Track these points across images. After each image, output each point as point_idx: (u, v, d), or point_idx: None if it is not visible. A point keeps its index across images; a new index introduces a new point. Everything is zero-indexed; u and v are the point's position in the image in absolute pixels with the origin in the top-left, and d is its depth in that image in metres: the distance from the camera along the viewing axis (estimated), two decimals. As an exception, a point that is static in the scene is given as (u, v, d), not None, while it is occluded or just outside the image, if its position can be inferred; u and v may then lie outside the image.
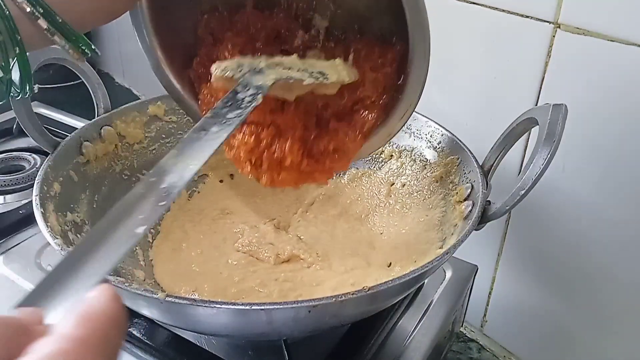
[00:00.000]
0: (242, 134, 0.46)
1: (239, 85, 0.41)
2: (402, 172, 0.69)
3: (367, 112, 0.49)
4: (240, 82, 0.42)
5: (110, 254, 0.24)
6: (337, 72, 0.46)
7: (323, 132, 0.48)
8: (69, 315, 0.21)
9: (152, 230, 0.66)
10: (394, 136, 0.50)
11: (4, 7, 0.36)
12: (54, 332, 0.20)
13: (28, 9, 0.37)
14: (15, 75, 0.40)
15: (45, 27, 0.38)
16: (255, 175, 0.47)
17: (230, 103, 0.39)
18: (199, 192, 0.73)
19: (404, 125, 0.49)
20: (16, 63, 0.39)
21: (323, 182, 0.49)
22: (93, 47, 0.42)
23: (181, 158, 0.32)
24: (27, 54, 0.39)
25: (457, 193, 0.58)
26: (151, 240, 0.65)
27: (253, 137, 0.46)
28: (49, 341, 0.20)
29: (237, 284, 0.59)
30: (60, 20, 0.38)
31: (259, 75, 0.42)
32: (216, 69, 0.44)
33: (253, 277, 0.60)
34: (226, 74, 0.43)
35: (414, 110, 0.48)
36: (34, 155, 0.84)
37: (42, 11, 0.37)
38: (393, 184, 0.69)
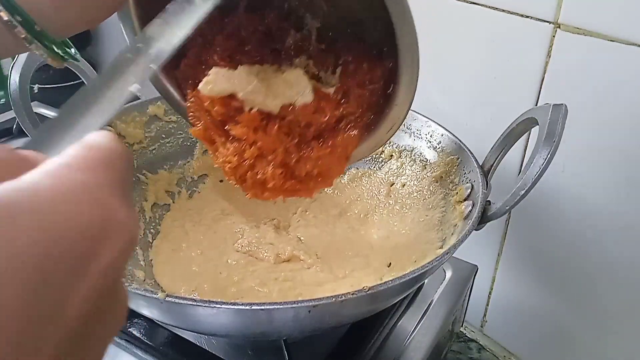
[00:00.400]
0: (226, 149, 0.46)
1: None
2: (402, 172, 0.69)
3: (351, 130, 0.48)
4: None
5: (104, 109, 0.25)
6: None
7: (306, 156, 0.47)
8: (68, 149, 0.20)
9: (152, 230, 0.66)
10: (379, 147, 0.49)
11: None
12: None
13: (5, 18, 0.36)
14: None
15: (23, 35, 0.37)
16: (240, 187, 0.47)
17: None
18: (199, 192, 0.73)
19: (390, 137, 0.48)
20: None
21: (309, 196, 0.49)
22: (73, 52, 0.42)
23: (167, 27, 0.31)
24: (2, 60, 0.39)
25: (457, 193, 0.58)
26: (151, 240, 0.65)
27: (236, 156, 0.45)
28: (51, 161, 0.18)
29: (237, 284, 0.59)
30: (38, 29, 0.38)
31: None
32: (204, 85, 0.43)
33: (252, 277, 0.60)
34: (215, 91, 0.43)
35: (402, 123, 0.47)
36: (34, 155, 0.84)
37: (20, 20, 0.37)
38: (393, 184, 0.69)
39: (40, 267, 0.16)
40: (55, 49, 0.40)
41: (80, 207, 0.17)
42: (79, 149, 0.19)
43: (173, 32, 0.31)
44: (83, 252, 0.17)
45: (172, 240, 0.66)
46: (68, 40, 0.42)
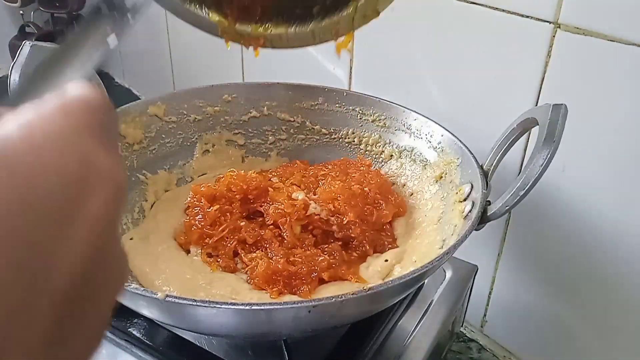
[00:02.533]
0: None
1: None
2: (402, 172, 0.69)
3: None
4: None
5: (82, 61, 0.24)
6: None
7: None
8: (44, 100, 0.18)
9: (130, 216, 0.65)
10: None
11: None
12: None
13: None
14: None
15: None
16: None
17: None
18: (190, 181, 0.72)
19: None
20: None
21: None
22: None
23: None
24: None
25: (457, 193, 0.58)
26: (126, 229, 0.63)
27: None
28: (23, 111, 0.17)
29: (205, 288, 0.55)
30: None
31: None
32: None
33: (221, 284, 0.56)
34: None
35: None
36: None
37: None
38: (393, 184, 0.69)
39: (19, 228, 0.14)
40: None
41: (54, 157, 0.16)
42: (53, 98, 0.18)
43: None
44: (63, 206, 0.16)
45: (145, 229, 0.63)
46: None
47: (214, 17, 0.42)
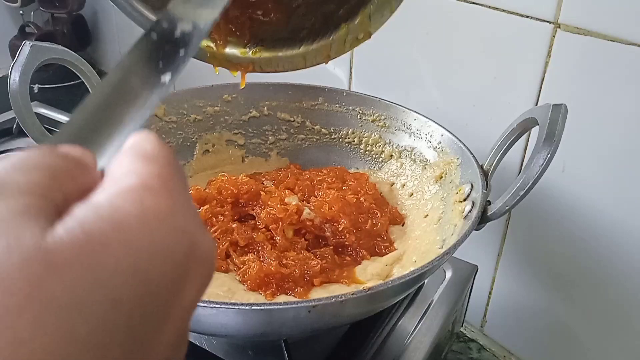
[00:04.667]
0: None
1: None
2: (402, 172, 0.69)
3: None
4: None
5: (140, 106, 0.21)
6: None
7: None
8: (122, 158, 0.18)
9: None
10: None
11: None
12: (117, 172, 0.17)
13: None
14: None
15: None
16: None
17: None
18: (191, 177, 0.73)
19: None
20: None
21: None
22: None
23: (190, 5, 0.27)
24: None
25: (457, 193, 0.58)
26: None
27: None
28: (115, 178, 0.16)
29: None
30: None
31: None
32: None
33: (216, 284, 0.56)
34: None
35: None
36: (34, 155, 0.83)
37: None
38: (393, 184, 0.69)
39: (130, 312, 0.14)
40: None
41: (166, 239, 0.15)
42: (136, 161, 0.17)
43: (200, 13, 0.26)
44: (170, 291, 0.15)
45: None
46: None
47: (202, 42, 0.41)
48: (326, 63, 0.44)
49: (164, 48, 0.24)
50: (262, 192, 0.62)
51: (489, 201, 0.52)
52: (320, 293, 0.54)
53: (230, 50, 0.43)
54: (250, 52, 0.43)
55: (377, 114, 0.71)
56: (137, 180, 0.16)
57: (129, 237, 0.15)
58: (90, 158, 0.18)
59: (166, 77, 0.23)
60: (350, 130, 0.73)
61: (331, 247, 0.59)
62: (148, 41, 0.24)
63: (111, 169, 0.17)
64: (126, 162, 0.17)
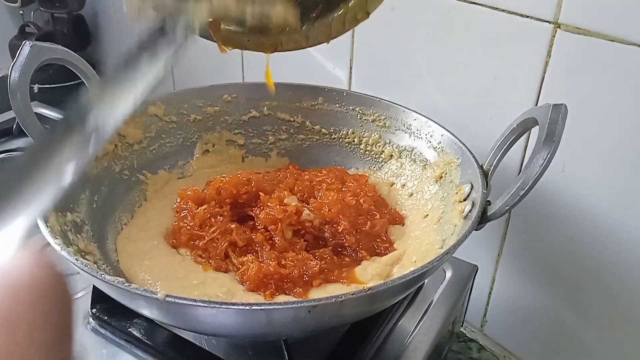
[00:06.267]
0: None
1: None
2: (402, 172, 0.69)
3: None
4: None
5: (35, 199, 0.21)
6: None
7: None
8: None
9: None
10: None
11: None
12: None
13: None
14: None
15: None
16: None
17: (157, 36, 0.33)
18: (190, 176, 0.72)
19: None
20: None
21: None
22: None
23: (108, 98, 0.26)
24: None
25: (457, 193, 0.58)
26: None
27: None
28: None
29: (199, 287, 0.55)
30: None
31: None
32: None
33: (216, 284, 0.55)
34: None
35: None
36: (33, 155, 0.83)
37: None
38: (393, 184, 0.69)
39: None
40: None
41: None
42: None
43: (114, 108, 0.26)
44: None
45: (136, 225, 0.63)
46: None
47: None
48: (328, 42, 0.45)
49: (71, 140, 0.24)
50: (261, 194, 0.62)
51: (489, 201, 0.52)
52: (319, 293, 0.54)
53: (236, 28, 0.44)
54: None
55: (377, 114, 0.71)
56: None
57: None
58: None
59: (68, 176, 0.23)
60: (350, 130, 0.73)
61: (330, 248, 0.59)
62: (58, 133, 0.24)
63: None
64: None
